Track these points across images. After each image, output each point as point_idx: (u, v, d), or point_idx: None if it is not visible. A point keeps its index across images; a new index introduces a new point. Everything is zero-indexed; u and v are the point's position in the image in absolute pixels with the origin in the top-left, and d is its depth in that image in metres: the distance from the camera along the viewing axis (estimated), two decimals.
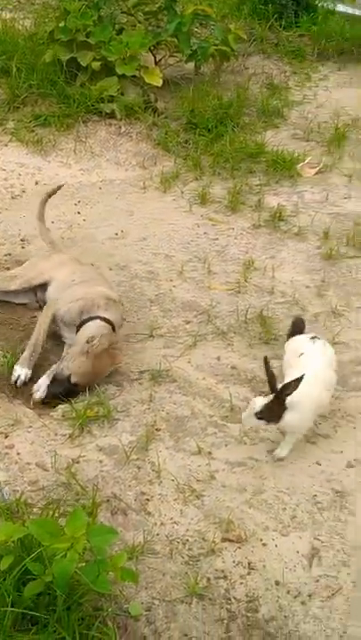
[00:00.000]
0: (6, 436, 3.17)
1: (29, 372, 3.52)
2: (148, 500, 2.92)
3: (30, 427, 3.25)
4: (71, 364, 3.44)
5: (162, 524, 2.82)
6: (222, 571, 2.64)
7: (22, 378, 3.50)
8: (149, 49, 5.99)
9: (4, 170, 5.20)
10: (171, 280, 4.28)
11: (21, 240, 4.49)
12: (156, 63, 6.11)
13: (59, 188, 4.40)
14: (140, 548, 2.68)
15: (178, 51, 6.11)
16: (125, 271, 4.32)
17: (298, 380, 2.89)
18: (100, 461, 3.09)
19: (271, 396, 2.95)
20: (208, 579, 2.61)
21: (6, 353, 3.63)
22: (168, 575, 2.61)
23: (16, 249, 4.40)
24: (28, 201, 4.88)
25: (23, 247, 4.44)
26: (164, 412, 3.37)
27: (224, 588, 2.58)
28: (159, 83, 5.81)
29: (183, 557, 2.69)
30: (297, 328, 3.43)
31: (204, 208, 4.99)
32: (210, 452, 3.16)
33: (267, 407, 2.95)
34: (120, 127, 5.68)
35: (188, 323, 3.95)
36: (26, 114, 5.69)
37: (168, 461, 3.10)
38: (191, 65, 6.29)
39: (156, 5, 6.10)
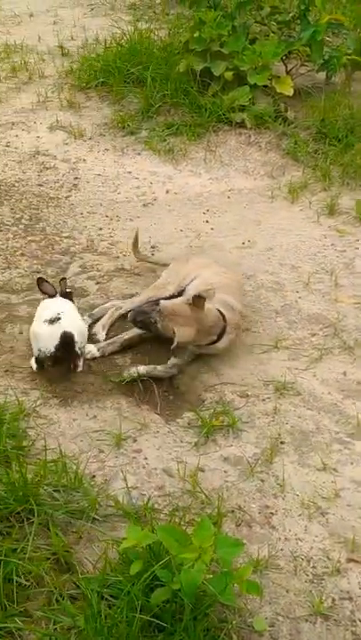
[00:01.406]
0: (134, 440, 3.25)
1: (97, 355, 3.72)
2: (272, 513, 2.92)
3: (157, 432, 3.32)
4: (170, 301, 3.63)
5: (286, 539, 2.82)
6: (348, 592, 2.61)
7: (89, 356, 3.71)
8: (281, 58, 5.98)
9: (137, 178, 5.33)
10: (297, 291, 4.27)
11: (152, 247, 4.59)
12: (287, 72, 6.10)
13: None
14: (265, 562, 2.69)
15: (309, 60, 6.06)
16: (251, 281, 4.33)
17: None
18: (225, 471, 3.12)
19: None
20: (333, 599, 2.59)
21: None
22: (292, 592, 2.61)
23: (146, 256, 4.49)
24: (159, 209, 4.99)
25: (153, 254, 4.53)
26: (289, 426, 3.36)
27: (349, 610, 2.55)
28: (290, 92, 5.79)
29: (307, 575, 2.68)
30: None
31: (332, 219, 4.94)
32: (335, 469, 3.13)
33: None
34: (250, 136, 5.70)
35: (313, 335, 3.93)
36: (159, 123, 5.81)
37: (292, 476, 3.09)
38: (322, 74, 6.23)
39: (290, 15, 6.08)
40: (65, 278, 3.86)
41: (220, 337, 3.66)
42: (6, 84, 6.43)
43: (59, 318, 3.54)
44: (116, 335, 3.84)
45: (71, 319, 3.60)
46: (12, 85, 6.40)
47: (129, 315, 3.71)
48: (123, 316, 3.93)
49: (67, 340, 3.50)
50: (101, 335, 3.84)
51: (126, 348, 3.79)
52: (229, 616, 2.46)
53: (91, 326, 3.88)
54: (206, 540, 2.33)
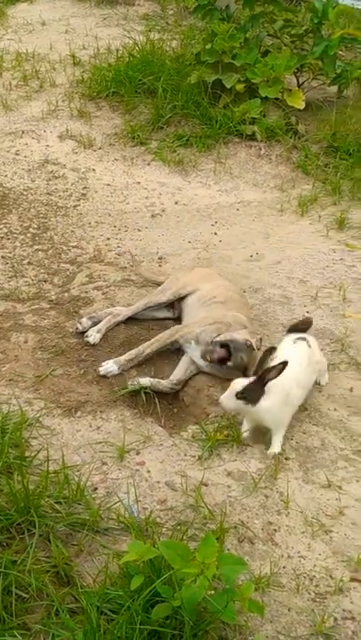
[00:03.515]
0: (138, 453, 3.22)
1: (117, 372, 3.66)
2: (275, 530, 2.89)
3: (161, 445, 3.29)
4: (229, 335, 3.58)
5: (289, 556, 2.79)
6: (350, 611, 2.57)
7: (110, 374, 3.65)
8: (293, 71, 5.98)
9: (146, 189, 5.31)
10: (304, 305, 4.24)
11: (159, 258, 4.58)
12: (298, 86, 6.10)
13: None
14: (267, 579, 2.65)
15: (322, 73, 6.07)
16: (259, 294, 4.31)
17: (281, 365, 3.14)
18: (228, 486, 3.08)
19: (254, 378, 3.19)
20: (335, 618, 2.55)
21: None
22: (294, 610, 2.57)
23: (154, 267, 4.48)
24: (168, 220, 4.97)
25: (160, 265, 4.52)
26: (294, 441, 3.33)
27: (351, 630, 2.51)
28: (301, 105, 5.80)
29: (310, 594, 2.64)
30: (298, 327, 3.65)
31: (341, 233, 4.92)
32: (340, 487, 3.10)
33: (248, 388, 3.16)
34: (260, 149, 5.70)
35: (320, 350, 3.90)
36: (169, 134, 5.81)
37: (297, 492, 3.06)
38: (334, 88, 6.24)
39: (303, 28, 6.09)
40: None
41: None
42: (17, 92, 6.45)
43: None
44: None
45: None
46: (23, 94, 6.41)
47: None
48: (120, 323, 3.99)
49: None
50: (94, 338, 3.84)
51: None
52: (230, 634, 2.43)
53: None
54: (209, 555, 2.30)
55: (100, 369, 3.66)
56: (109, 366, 3.66)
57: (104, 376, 3.64)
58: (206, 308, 3.86)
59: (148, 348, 3.73)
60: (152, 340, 3.77)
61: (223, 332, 3.64)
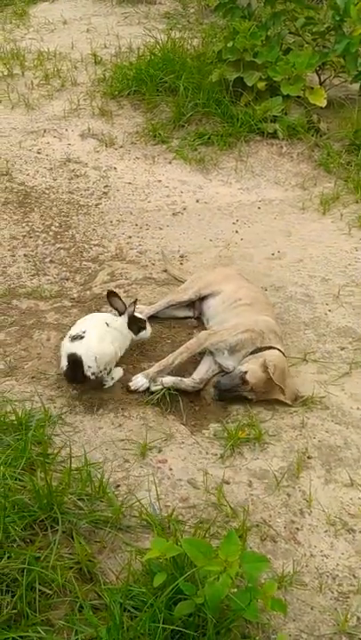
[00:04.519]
0: (160, 451, 3.22)
1: (147, 386, 3.56)
2: (297, 529, 2.88)
3: (183, 443, 3.29)
4: (251, 366, 3.50)
5: (311, 555, 2.78)
6: None
7: (141, 389, 3.55)
8: (315, 69, 5.96)
9: (167, 187, 5.32)
10: (326, 304, 4.23)
11: (180, 256, 4.58)
12: (320, 83, 6.07)
13: None
14: (290, 578, 2.65)
15: (343, 71, 6.03)
16: (281, 292, 4.30)
17: None
18: (250, 485, 3.08)
19: None
20: (358, 617, 2.54)
21: None
22: (317, 609, 2.57)
23: (174, 265, 4.48)
24: (189, 218, 4.97)
25: (182, 263, 4.52)
26: (316, 440, 3.32)
27: None
28: (323, 103, 5.78)
29: (333, 593, 2.63)
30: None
31: None
32: None
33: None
34: (281, 147, 5.68)
35: (342, 349, 3.89)
36: (190, 132, 5.81)
37: (319, 491, 3.05)
38: (356, 85, 6.20)
39: (325, 26, 6.05)
40: (136, 300, 3.74)
41: None
42: (39, 91, 6.47)
43: (81, 337, 3.41)
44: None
45: (94, 341, 3.42)
46: (45, 92, 6.44)
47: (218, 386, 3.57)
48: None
49: (75, 362, 3.38)
50: None
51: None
52: (252, 631, 2.43)
53: None
54: (232, 553, 2.30)
55: (130, 384, 3.57)
56: (139, 380, 3.57)
57: (134, 390, 3.56)
58: (233, 311, 3.83)
59: (177, 358, 3.65)
60: (180, 348, 3.70)
61: (259, 340, 3.62)
